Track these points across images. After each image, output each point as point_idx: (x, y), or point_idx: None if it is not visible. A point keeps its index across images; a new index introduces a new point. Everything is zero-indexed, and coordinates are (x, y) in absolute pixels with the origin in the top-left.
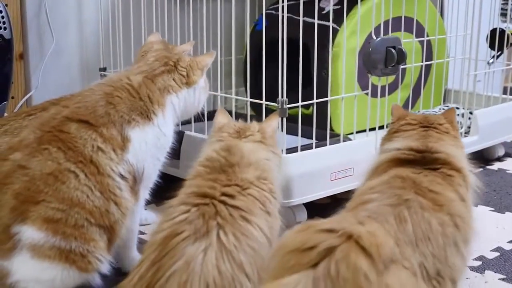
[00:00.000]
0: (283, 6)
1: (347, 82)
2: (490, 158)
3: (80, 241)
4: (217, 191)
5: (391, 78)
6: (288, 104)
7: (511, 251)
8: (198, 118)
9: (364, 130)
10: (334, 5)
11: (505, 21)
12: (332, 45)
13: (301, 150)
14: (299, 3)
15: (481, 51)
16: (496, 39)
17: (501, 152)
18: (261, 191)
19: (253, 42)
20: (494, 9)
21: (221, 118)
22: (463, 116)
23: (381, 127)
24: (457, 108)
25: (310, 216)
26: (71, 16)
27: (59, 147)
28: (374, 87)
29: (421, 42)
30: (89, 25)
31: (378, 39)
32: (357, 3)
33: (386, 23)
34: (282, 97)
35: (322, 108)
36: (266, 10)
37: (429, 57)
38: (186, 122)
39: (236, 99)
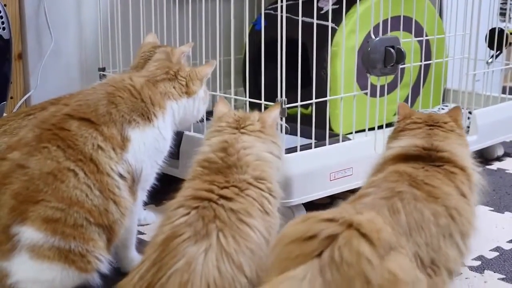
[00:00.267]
0: (281, 6)
1: (346, 82)
2: (489, 158)
3: (79, 241)
4: (215, 194)
5: (390, 78)
6: (287, 104)
7: (510, 251)
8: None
9: (363, 130)
10: (333, 4)
11: (504, 21)
12: (331, 45)
13: (300, 150)
14: (298, 3)
15: (480, 51)
16: (495, 39)
17: (500, 151)
18: (260, 191)
19: (252, 42)
20: (493, 8)
21: (221, 107)
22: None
23: (380, 127)
24: None
25: None
26: (70, 16)
27: (58, 146)
28: (373, 87)
29: (420, 42)
30: (88, 25)
31: (377, 38)
32: (355, 2)
33: (385, 22)
34: (281, 97)
35: (321, 108)
36: (264, 10)
37: (428, 56)
38: None
39: (235, 99)
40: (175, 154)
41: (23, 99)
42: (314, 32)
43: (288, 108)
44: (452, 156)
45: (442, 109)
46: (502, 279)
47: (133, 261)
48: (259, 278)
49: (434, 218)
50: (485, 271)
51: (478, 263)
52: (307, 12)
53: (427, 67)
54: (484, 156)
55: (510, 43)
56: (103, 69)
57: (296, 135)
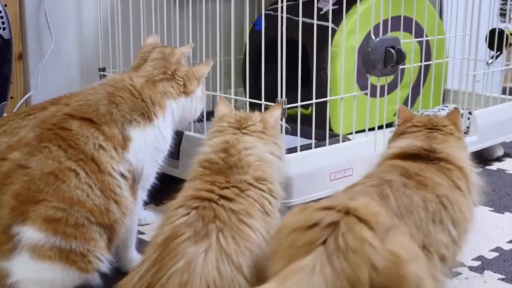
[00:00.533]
0: (282, 7)
1: (346, 82)
2: (489, 158)
3: (80, 241)
4: (216, 195)
5: (390, 78)
6: (287, 104)
7: (510, 251)
8: (198, 118)
9: (363, 130)
10: (332, 5)
11: (504, 21)
12: (331, 45)
13: (300, 150)
14: (298, 3)
15: (480, 51)
16: (495, 39)
17: (500, 152)
18: (260, 192)
19: (252, 42)
20: (493, 9)
21: (222, 107)
22: (462, 116)
23: (380, 127)
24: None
25: None
26: (70, 16)
27: (59, 145)
28: (373, 87)
29: (420, 42)
30: (88, 25)
31: (377, 39)
32: (355, 2)
33: (385, 23)
34: (282, 97)
35: (321, 108)
36: (265, 10)
37: (428, 57)
38: None
39: (235, 99)
40: (175, 154)
41: (23, 99)
42: (314, 33)
43: (288, 108)
44: (449, 157)
45: (442, 109)
46: (502, 279)
47: (133, 261)
48: (258, 278)
49: (423, 203)
50: (485, 271)
51: (478, 263)
52: (307, 13)
53: (427, 67)
54: (484, 157)
55: (510, 44)
56: (103, 69)
57: (296, 135)
